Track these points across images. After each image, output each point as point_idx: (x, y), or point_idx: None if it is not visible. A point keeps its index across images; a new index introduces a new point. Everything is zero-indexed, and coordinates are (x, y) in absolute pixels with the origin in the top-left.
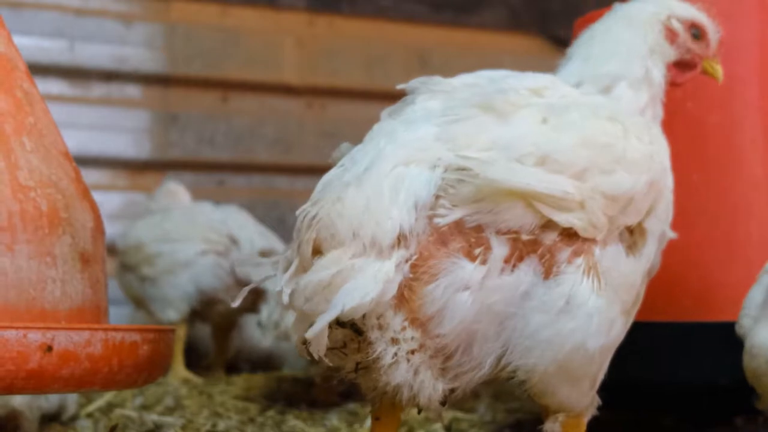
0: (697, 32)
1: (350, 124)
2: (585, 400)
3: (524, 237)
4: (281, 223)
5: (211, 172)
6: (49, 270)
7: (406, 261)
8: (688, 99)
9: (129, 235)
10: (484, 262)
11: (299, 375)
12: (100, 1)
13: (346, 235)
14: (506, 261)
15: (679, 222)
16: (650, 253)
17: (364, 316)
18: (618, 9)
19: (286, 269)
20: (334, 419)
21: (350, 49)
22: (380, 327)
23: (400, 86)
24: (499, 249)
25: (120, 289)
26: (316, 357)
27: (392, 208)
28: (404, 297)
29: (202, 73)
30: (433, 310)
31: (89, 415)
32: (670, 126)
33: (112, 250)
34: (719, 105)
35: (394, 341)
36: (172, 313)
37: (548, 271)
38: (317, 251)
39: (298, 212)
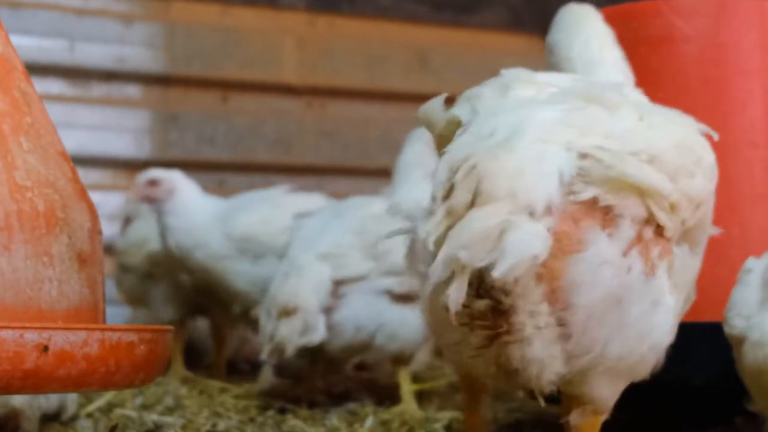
0: None
1: (350, 124)
2: (614, 400)
3: (636, 227)
4: None
5: (211, 172)
6: (46, 270)
7: (549, 230)
8: (669, 101)
9: (130, 233)
10: (614, 239)
11: (299, 375)
12: (101, 1)
13: (504, 191)
14: (628, 245)
15: None
16: (703, 251)
17: (507, 284)
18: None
19: (427, 219)
20: (334, 419)
21: (350, 49)
22: (523, 296)
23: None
24: (626, 231)
25: (117, 290)
26: (453, 310)
27: (543, 177)
28: (545, 267)
29: (202, 73)
30: (577, 281)
31: (89, 415)
32: None
33: (110, 250)
34: (701, 107)
35: (533, 314)
36: (173, 311)
37: (646, 264)
38: (472, 202)
39: (446, 163)
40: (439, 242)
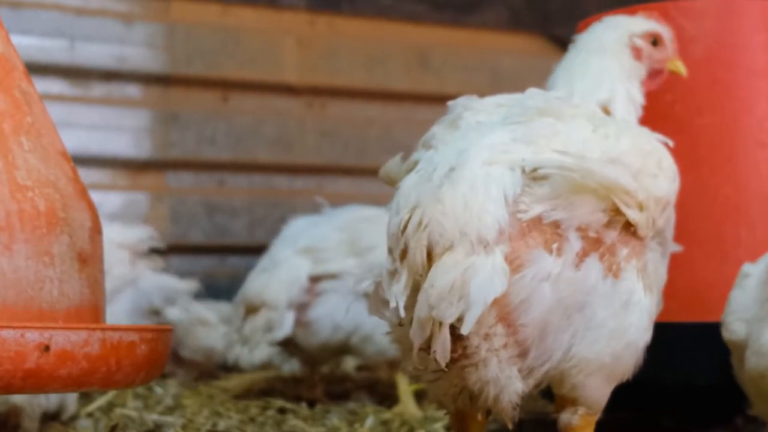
0: (654, 40)
1: (350, 124)
2: (605, 400)
3: (591, 234)
4: (281, 223)
5: (211, 171)
6: (47, 270)
7: (504, 256)
8: (677, 102)
9: None
10: (560, 255)
11: (299, 375)
12: (101, 0)
13: (454, 234)
14: (577, 255)
15: None
16: (669, 256)
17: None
18: (584, 41)
19: (390, 281)
20: (334, 419)
21: (350, 49)
22: (477, 322)
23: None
24: (573, 244)
25: None
26: (442, 364)
27: (488, 203)
28: None
29: (202, 73)
30: (517, 301)
31: (89, 415)
32: (660, 129)
33: None
34: (708, 108)
35: (487, 336)
36: None
37: (609, 268)
38: (429, 256)
39: (392, 221)
40: (409, 306)
